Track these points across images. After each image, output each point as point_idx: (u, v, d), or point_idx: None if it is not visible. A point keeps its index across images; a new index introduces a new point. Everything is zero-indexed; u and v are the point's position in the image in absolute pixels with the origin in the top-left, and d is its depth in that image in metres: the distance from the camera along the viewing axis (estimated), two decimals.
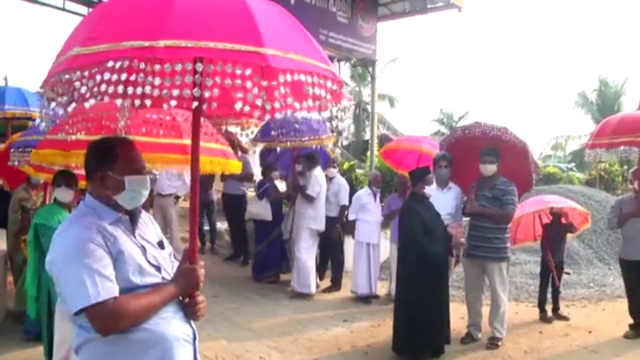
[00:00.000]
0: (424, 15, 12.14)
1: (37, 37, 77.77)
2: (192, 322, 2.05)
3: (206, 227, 8.93)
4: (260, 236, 7.59)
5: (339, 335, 5.46)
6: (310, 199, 6.87)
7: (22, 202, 5.63)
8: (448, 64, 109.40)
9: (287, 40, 1.88)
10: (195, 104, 1.87)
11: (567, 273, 6.81)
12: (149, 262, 1.95)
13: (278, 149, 7.61)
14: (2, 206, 6.06)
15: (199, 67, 1.77)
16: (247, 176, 8.33)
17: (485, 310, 5.37)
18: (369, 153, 13.68)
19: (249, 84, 1.81)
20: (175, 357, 1.92)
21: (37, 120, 4.23)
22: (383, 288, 7.16)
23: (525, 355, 4.98)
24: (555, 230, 6.09)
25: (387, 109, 30.60)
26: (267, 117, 2.22)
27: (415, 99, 77.69)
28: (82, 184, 4.08)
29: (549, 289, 6.08)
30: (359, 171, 14.58)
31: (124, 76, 1.68)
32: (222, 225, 9.44)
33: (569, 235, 6.29)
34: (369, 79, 18.58)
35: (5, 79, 7.59)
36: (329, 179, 7.28)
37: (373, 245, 6.87)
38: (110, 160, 1.99)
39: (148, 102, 1.82)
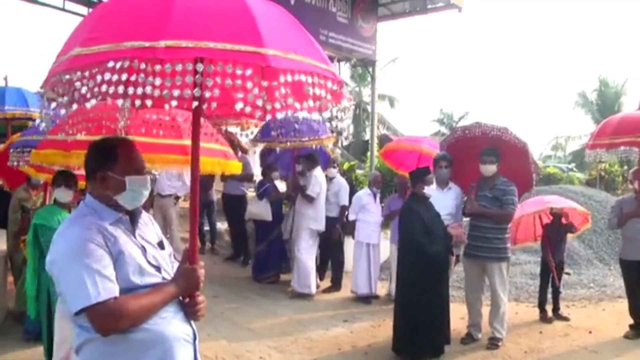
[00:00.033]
0: (424, 15, 12.13)
1: (37, 37, 77.93)
2: (192, 322, 2.05)
3: (206, 228, 8.93)
4: (260, 236, 7.59)
5: (339, 335, 5.46)
6: (310, 199, 6.87)
7: (22, 202, 5.63)
8: (448, 64, 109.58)
9: (287, 41, 1.88)
10: (195, 103, 1.87)
11: (568, 273, 6.81)
12: (149, 262, 1.95)
13: (278, 149, 7.61)
14: (2, 206, 6.06)
15: (200, 67, 1.77)
16: (247, 176, 8.33)
17: (486, 310, 5.37)
18: (369, 153, 13.67)
19: (249, 84, 1.81)
20: (176, 357, 1.92)
21: (37, 121, 4.24)
22: (383, 288, 7.16)
23: (525, 355, 4.98)
24: (555, 231, 6.09)
25: (387, 109, 30.67)
26: (268, 117, 2.22)
27: (415, 99, 77.86)
28: (82, 184, 4.08)
29: (549, 289, 6.08)
30: (359, 171, 14.57)
31: (124, 76, 1.68)
32: (222, 225, 9.44)
33: (569, 236, 6.29)
34: (369, 79, 18.59)
35: (5, 79, 7.60)
36: (329, 179, 7.28)
37: (373, 246, 6.87)
38: (111, 161, 1.99)
39: (149, 102, 1.82)
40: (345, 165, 14.32)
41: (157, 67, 1.71)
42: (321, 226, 6.96)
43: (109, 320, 1.77)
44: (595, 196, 10.34)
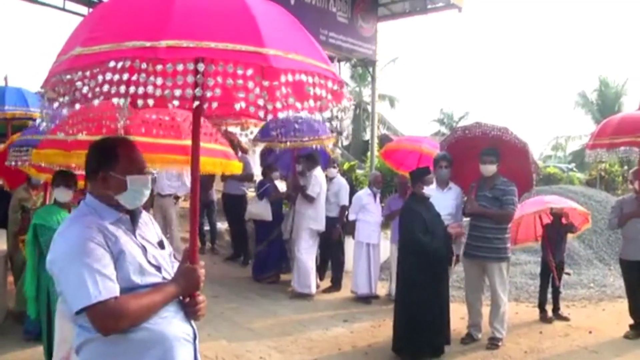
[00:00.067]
0: (424, 16, 12.13)
1: (37, 37, 77.90)
2: (192, 321, 2.05)
3: (206, 227, 8.93)
4: (261, 236, 7.59)
5: (339, 335, 5.46)
6: (310, 199, 6.87)
7: (22, 202, 5.63)
8: (448, 64, 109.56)
9: (287, 41, 1.88)
10: (196, 103, 1.87)
11: (568, 273, 6.81)
12: (149, 262, 1.95)
13: (278, 149, 7.61)
14: (2, 206, 6.06)
15: (201, 67, 1.77)
16: (247, 176, 8.33)
17: (486, 310, 5.37)
18: (369, 153, 13.67)
19: (250, 84, 1.82)
20: (176, 356, 1.92)
21: (38, 120, 4.23)
22: (383, 288, 7.16)
23: (525, 355, 4.98)
24: (555, 231, 6.09)
25: (387, 109, 30.68)
26: (270, 117, 2.22)
27: (415, 99, 77.91)
28: (82, 184, 4.08)
29: (549, 289, 6.08)
30: (359, 171, 14.56)
31: (125, 76, 1.68)
32: (222, 225, 9.44)
33: (570, 236, 6.30)
34: (369, 79, 18.60)
35: (5, 79, 7.58)
36: (329, 179, 7.28)
37: (373, 246, 6.88)
38: (112, 160, 1.99)
39: (150, 102, 1.82)
40: (346, 165, 14.31)
41: (159, 67, 1.71)
42: (321, 226, 6.96)
43: (110, 319, 1.77)
44: (595, 196, 10.35)
